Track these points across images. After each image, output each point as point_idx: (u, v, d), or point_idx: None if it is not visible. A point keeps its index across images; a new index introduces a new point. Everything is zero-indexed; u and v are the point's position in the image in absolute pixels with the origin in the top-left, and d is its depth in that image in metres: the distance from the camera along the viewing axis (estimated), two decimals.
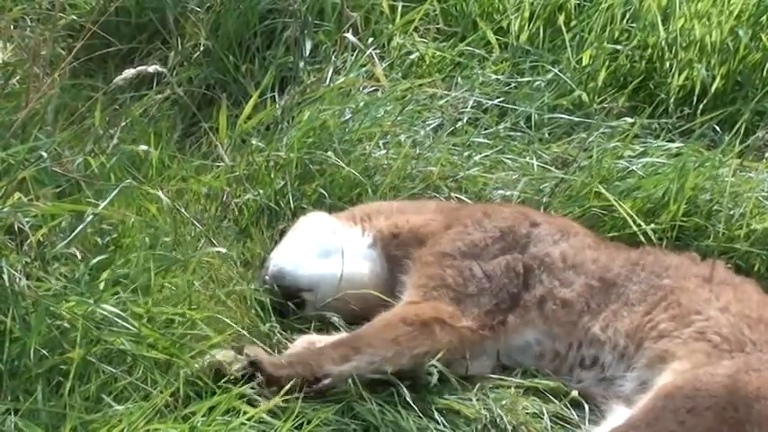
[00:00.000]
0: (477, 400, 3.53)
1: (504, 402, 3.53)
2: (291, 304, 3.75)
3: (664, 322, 3.54)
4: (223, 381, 3.26)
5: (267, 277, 3.77)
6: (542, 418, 3.50)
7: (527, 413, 3.52)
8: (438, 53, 4.89)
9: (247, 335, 3.51)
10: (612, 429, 3.28)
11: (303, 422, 3.25)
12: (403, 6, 4.91)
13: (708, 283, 3.63)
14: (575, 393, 3.58)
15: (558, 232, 3.82)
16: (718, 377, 3.31)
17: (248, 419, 3.16)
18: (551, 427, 3.50)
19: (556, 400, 3.59)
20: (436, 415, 3.46)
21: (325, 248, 3.83)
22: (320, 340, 3.62)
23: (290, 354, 3.51)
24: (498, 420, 3.48)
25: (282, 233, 4.03)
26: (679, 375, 3.38)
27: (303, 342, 3.63)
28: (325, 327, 3.73)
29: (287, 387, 3.27)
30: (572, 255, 3.76)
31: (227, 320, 3.48)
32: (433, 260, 3.74)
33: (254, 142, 4.25)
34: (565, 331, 3.66)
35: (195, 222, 3.80)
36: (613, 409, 3.49)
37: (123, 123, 3.89)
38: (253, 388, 3.29)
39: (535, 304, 3.68)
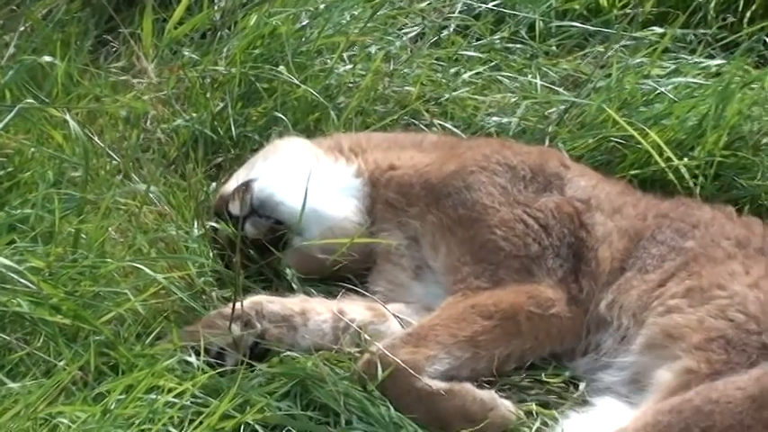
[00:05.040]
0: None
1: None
2: (248, 252, 3.69)
3: (676, 297, 3.52)
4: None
5: (248, 198, 3.68)
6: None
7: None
8: None
9: (176, 292, 3.45)
10: None
11: (244, 403, 3.19)
12: None
13: (740, 249, 3.59)
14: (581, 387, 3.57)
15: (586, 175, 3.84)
16: (741, 384, 3.24)
17: (176, 397, 3.13)
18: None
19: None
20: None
21: (315, 182, 3.72)
22: (272, 301, 3.57)
23: None
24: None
25: (221, 167, 3.99)
26: (686, 379, 3.33)
27: (252, 304, 3.54)
28: (269, 282, 3.70)
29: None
30: (615, 195, 3.77)
31: (151, 274, 3.41)
32: (471, 217, 3.68)
33: (186, 54, 4.25)
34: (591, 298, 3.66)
35: (111, 153, 3.80)
36: (602, 398, 3.50)
37: (22, 28, 3.91)
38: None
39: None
